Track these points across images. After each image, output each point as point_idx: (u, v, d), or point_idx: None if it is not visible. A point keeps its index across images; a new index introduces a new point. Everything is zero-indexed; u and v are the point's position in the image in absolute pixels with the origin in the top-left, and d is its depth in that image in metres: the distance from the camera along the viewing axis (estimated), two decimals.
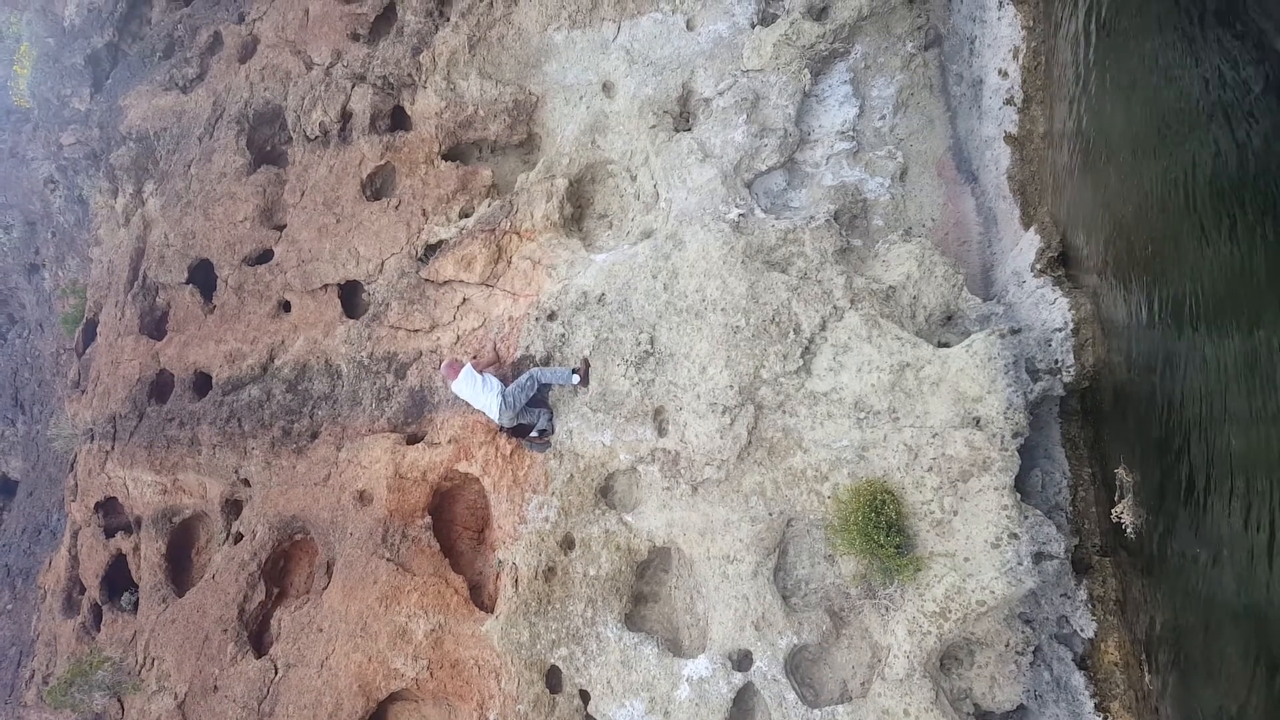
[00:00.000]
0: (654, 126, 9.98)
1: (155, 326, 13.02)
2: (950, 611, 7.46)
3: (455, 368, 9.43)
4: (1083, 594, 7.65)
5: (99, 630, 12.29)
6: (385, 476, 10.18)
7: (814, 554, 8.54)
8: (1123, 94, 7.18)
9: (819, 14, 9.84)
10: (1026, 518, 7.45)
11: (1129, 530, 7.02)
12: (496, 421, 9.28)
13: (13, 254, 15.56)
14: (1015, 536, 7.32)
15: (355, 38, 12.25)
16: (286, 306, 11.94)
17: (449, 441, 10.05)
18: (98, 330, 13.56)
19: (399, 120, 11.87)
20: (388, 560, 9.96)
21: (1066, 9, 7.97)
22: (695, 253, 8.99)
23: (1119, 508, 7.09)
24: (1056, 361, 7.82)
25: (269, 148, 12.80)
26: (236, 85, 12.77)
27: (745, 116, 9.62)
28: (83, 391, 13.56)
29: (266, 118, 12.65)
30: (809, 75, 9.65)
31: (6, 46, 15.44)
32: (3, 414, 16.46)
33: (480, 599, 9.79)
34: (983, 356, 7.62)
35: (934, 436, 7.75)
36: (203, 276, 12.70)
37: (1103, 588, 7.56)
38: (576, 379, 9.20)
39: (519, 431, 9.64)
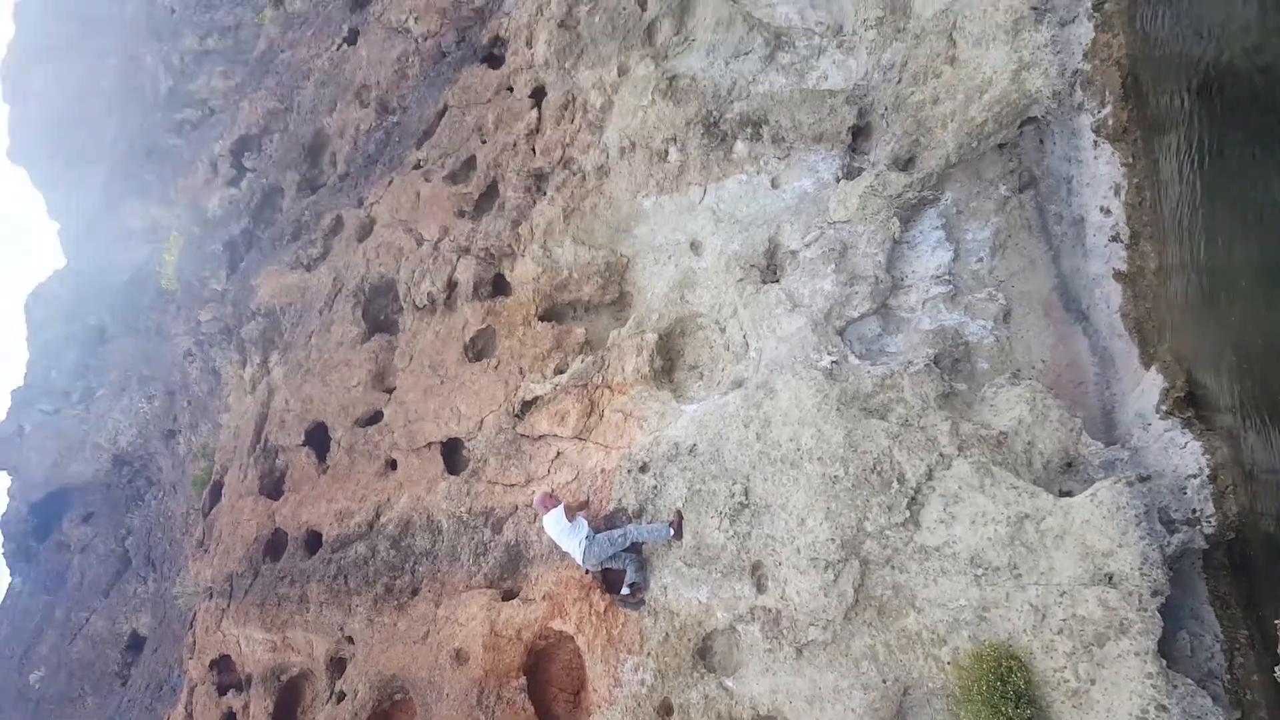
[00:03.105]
0: (741, 280, 10.14)
1: (274, 487, 13.70)
2: None
3: (549, 503, 9.41)
4: None
5: None
6: (481, 634, 10.05)
7: None
8: (1237, 223, 6.86)
9: (905, 164, 9.90)
10: (1176, 687, 6.58)
11: None
12: (580, 565, 9.25)
13: (154, 422, 16.95)
14: (1164, 709, 6.45)
15: (461, 214, 13.25)
16: (393, 465, 12.38)
17: (543, 598, 9.89)
18: (222, 491, 14.37)
19: (499, 286, 12.57)
20: None
21: (1169, 142, 7.78)
22: (788, 401, 8.85)
23: None
24: (1194, 511, 7.11)
25: (382, 317, 13.73)
26: (355, 262, 13.92)
27: (834, 265, 9.64)
28: (205, 550, 14.23)
29: (381, 290, 13.65)
30: (898, 223, 9.59)
31: (159, 236, 17.52)
32: (136, 572, 17.40)
33: None
34: (1109, 506, 7.01)
35: (1062, 595, 7.06)
36: (319, 438, 13.40)
37: None
38: (672, 533, 9.00)
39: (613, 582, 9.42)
